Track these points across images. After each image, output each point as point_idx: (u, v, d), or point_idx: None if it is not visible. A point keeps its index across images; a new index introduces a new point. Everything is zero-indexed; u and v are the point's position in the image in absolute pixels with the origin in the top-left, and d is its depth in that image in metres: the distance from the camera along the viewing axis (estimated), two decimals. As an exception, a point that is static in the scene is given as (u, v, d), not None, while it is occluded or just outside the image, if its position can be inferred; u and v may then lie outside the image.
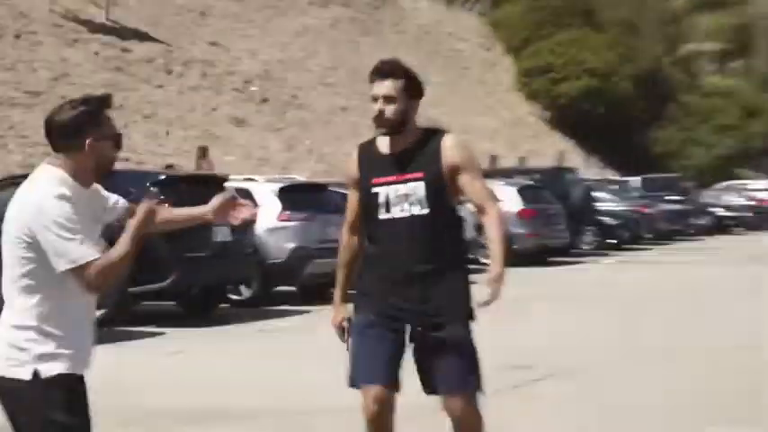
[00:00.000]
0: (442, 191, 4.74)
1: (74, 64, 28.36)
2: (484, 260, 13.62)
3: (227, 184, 13.87)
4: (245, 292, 15.11)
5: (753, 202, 38.18)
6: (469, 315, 4.78)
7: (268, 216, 14.35)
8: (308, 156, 31.50)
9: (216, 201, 4.03)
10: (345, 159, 5.32)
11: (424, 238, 4.72)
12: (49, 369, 3.70)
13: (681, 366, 9.71)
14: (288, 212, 15.20)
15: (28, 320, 3.72)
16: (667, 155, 49.52)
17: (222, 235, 13.34)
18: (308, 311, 14.08)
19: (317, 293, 15.20)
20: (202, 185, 13.83)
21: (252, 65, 34.89)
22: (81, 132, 3.76)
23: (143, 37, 31.92)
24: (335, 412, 7.25)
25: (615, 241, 27.59)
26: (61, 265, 3.63)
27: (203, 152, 23.39)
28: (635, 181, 34.53)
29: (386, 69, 4.79)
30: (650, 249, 27.89)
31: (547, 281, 18.52)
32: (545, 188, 24.01)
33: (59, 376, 3.70)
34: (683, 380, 8.96)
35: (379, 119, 4.75)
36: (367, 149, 4.95)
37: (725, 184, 42.44)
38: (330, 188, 16.89)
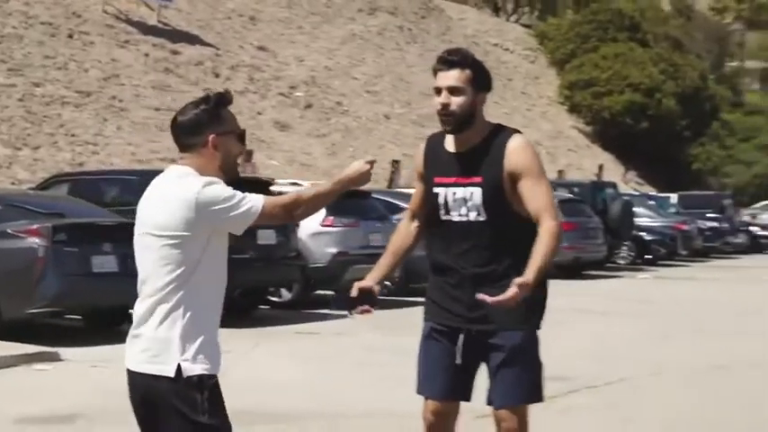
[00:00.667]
0: (502, 197, 4.39)
1: (124, 65, 28.66)
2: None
3: (273, 188, 13.99)
4: (286, 294, 15.30)
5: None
6: (527, 323, 4.44)
7: (312, 221, 14.47)
8: (351, 162, 31.59)
9: (357, 165, 4.05)
10: (415, 150, 4.91)
11: (480, 245, 4.41)
12: (191, 369, 3.75)
13: (715, 382, 9.76)
14: (331, 218, 15.35)
15: (177, 323, 3.77)
16: (707, 172, 49.20)
17: (266, 238, 13.51)
18: (345, 315, 14.16)
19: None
20: (248, 187, 13.96)
21: (298, 71, 35.07)
22: (202, 129, 3.83)
23: (193, 40, 32.20)
24: (365, 416, 7.38)
25: (651, 257, 27.55)
26: (250, 221, 3.78)
27: (248, 155, 23.60)
28: (674, 197, 34.37)
29: (452, 58, 4.43)
30: (686, 266, 27.75)
31: (583, 293, 18.45)
32: (584, 202, 24.04)
33: (200, 376, 3.75)
34: (717, 396, 9.02)
35: (443, 113, 4.42)
36: (435, 144, 4.61)
37: (763, 203, 42.17)
38: (373, 195, 17.03)
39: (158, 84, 28.74)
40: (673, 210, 31.83)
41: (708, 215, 32.42)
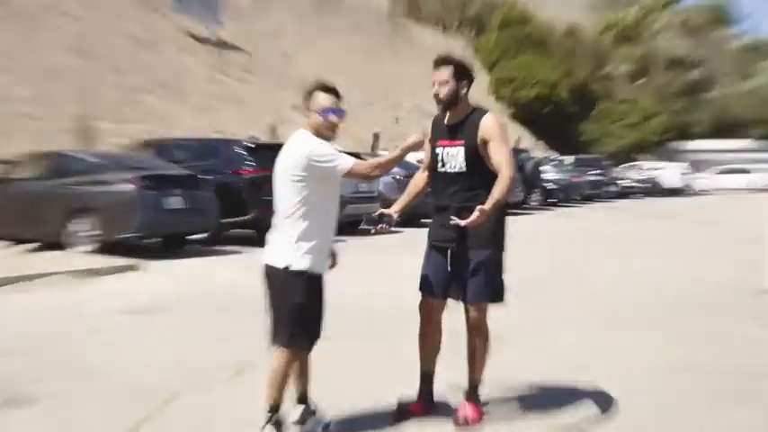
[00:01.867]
0: (477, 156, 4.32)
1: (188, 66, 28.17)
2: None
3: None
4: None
5: (645, 177, 38.03)
6: (493, 242, 4.38)
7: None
8: (344, 134, 31.34)
9: (414, 137, 4.15)
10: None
11: (463, 187, 4.35)
12: (298, 265, 3.89)
13: (603, 286, 9.68)
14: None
15: (293, 231, 3.90)
16: (591, 142, 49.48)
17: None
18: (342, 240, 14.04)
19: (347, 229, 15.30)
20: (275, 151, 13.69)
21: (310, 71, 34.62)
22: (308, 105, 4.02)
23: (236, 48, 31.69)
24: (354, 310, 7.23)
25: (555, 200, 27.43)
26: (342, 172, 3.90)
27: (274, 129, 23.26)
28: (569, 159, 34.32)
29: (439, 60, 4.41)
30: (578, 207, 27.78)
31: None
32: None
33: (302, 271, 3.90)
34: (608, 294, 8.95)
35: (436, 98, 4.37)
36: (439, 119, 4.52)
37: (628, 164, 42.33)
38: (361, 156, 16.73)
39: (211, 79, 28.29)
40: (569, 167, 31.75)
41: (592, 172, 32.42)
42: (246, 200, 12.70)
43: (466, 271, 4.35)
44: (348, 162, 3.91)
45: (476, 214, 4.06)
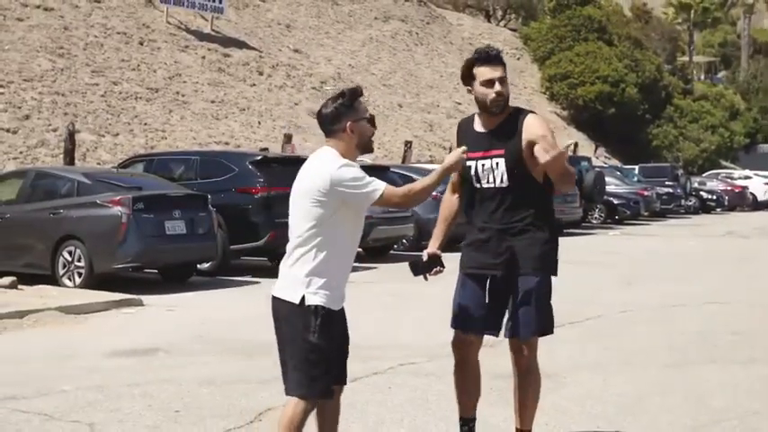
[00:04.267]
0: (522, 166, 4.30)
1: (185, 66, 28.65)
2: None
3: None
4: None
5: (730, 188, 37.73)
6: (544, 266, 4.39)
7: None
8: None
9: (453, 155, 4.15)
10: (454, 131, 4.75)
11: (505, 205, 4.34)
12: (312, 300, 3.94)
13: (673, 317, 9.78)
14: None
15: (307, 264, 3.95)
16: (663, 148, 49.09)
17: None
18: (374, 267, 14.23)
19: (378, 253, 15.62)
20: (289, 165, 13.97)
21: (326, 68, 35.00)
22: (341, 119, 4.00)
23: (240, 44, 32.15)
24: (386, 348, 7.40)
25: (618, 217, 27.47)
26: (370, 203, 3.96)
27: (288, 138, 23.60)
28: (636, 169, 34.27)
29: (494, 55, 4.38)
30: (647, 225, 27.74)
31: (563, 248, 18.43)
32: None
33: (317, 306, 3.94)
34: (674, 328, 9.04)
35: (499, 100, 4.34)
36: (466, 126, 4.56)
37: (710, 172, 42.02)
38: (391, 170, 16.99)
39: (213, 81, 28.72)
40: (635, 179, 31.72)
41: (664, 183, 32.34)
42: (257, 223, 12.88)
43: (512, 301, 4.35)
44: (379, 188, 3.92)
45: (556, 152, 4.06)
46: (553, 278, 4.49)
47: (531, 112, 4.46)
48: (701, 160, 47.17)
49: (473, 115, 4.58)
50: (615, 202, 27.34)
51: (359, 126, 4.00)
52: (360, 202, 3.94)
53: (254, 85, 30.39)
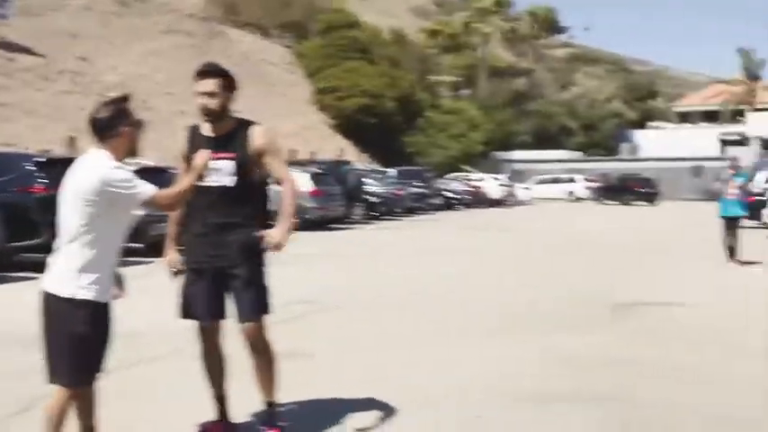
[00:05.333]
0: (247, 168, 4.38)
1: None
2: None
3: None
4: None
5: (469, 189, 39.65)
6: (254, 253, 4.42)
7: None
8: (153, 146, 30.68)
9: (198, 160, 4.11)
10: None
11: (228, 202, 4.39)
12: (83, 294, 3.82)
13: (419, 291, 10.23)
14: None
15: (79, 258, 3.83)
16: (416, 153, 50.93)
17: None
18: (152, 262, 13.86)
19: (159, 249, 15.10)
20: (146, 175, 13.31)
21: (113, 77, 33.63)
22: (115, 124, 3.88)
23: (25, 50, 30.24)
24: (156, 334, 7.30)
25: (377, 213, 28.15)
26: (138, 204, 3.84)
27: (72, 141, 22.51)
28: (392, 171, 35.25)
29: (207, 70, 4.44)
30: (399, 220, 28.68)
31: (327, 241, 18.80)
32: (329, 175, 24.30)
33: (88, 301, 3.82)
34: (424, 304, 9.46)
35: (205, 111, 4.40)
36: (193, 131, 4.58)
37: (453, 175, 44.07)
38: (169, 170, 16.55)
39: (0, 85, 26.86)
40: (392, 180, 32.66)
41: (415, 184, 33.47)
42: (37, 221, 12.26)
43: (234, 289, 4.40)
44: (148, 191, 3.88)
45: (278, 236, 4.30)
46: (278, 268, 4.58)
47: (256, 123, 4.53)
48: (447, 165, 49.34)
49: (198, 123, 4.59)
50: (373, 200, 28.01)
51: (130, 132, 3.94)
52: (128, 203, 3.87)
53: (41, 90, 28.68)
